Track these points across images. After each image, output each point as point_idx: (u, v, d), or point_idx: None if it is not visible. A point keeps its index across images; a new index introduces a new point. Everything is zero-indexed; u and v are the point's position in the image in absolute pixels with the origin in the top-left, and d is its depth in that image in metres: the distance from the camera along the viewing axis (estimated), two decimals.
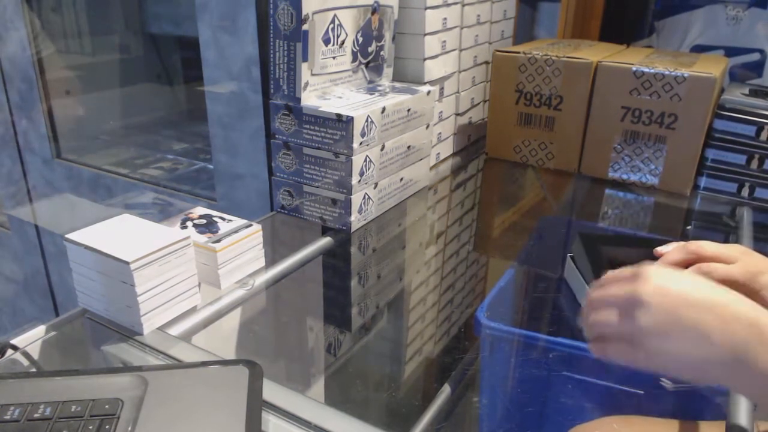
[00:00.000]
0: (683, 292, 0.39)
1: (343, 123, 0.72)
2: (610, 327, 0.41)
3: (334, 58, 0.78)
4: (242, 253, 0.64)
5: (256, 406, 0.42)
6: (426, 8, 0.87)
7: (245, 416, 0.41)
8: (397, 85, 0.89)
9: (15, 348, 0.53)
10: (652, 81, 0.88)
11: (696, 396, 0.51)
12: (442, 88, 0.98)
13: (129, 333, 0.54)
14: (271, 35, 0.73)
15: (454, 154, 1.08)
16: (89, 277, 0.54)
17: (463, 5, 0.97)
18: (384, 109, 0.77)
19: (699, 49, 1.30)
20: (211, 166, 1.21)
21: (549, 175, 1.02)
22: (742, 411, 0.46)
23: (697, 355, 0.38)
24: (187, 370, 0.46)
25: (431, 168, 0.98)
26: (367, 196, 0.78)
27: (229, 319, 0.61)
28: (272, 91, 0.77)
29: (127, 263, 0.50)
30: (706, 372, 0.39)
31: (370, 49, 0.85)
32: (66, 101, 1.56)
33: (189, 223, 0.65)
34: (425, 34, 0.89)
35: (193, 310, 0.58)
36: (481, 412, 0.53)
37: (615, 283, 0.42)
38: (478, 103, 1.13)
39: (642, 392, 0.53)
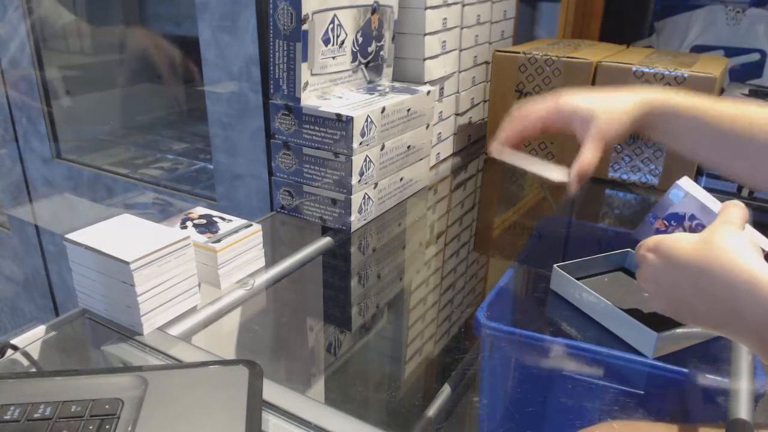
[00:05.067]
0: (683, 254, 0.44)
1: (343, 123, 0.72)
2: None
3: (333, 58, 0.78)
4: (242, 253, 0.64)
5: (256, 406, 0.42)
6: (426, 8, 0.87)
7: (245, 416, 0.41)
8: (397, 85, 0.89)
9: (15, 348, 0.53)
10: (652, 81, 0.88)
11: (696, 397, 0.51)
12: (442, 88, 0.98)
13: (129, 333, 0.54)
14: (271, 35, 0.73)
15: (454, 154, 1.08)
16: (89, 277, 0.54)
17: (463, 5, 0.97)
18: (384, 109, 0.77)
19: (699, 49, 1.30)
20: (211, 166, 1.21)
21: None
22: (741, 413, 0.46)
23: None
24: (187, 370, 0.46)
25: (431, 168, 0.98)
26: (367, 196, 0.78)
27: (229, 319, 0.61)
28: (272, 91, 0.77)
29: (127, 263, 0.50)
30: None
31: (369, 49, 0.85)
32: (66, 101, 1.56)
33: (189, 223, 0.65)
34: (425, 34, 0.89)
35: (193, 310, 0.58)
36: (481, 412, 0.53)
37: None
38: (478, 103, 1.13)
39: (642, 392, 0.53)
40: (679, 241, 0.45)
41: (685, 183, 0.56)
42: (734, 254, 0.41)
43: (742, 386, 0.49)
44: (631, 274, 0.67)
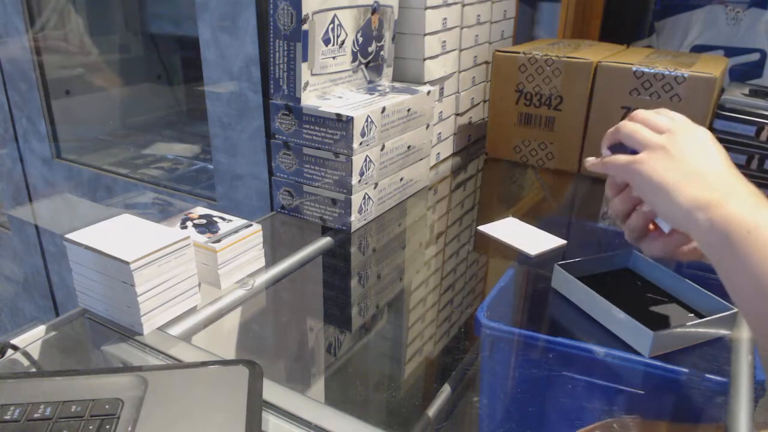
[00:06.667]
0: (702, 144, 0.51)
1: (343, 123, 0.72)
2: (638, 134, 0.51)
3: (334, 58, 0.78)
4: (242, 253, 0.64)
5: (256, 406, 0.42)
6: (426, 8, 0.87)
7: (245, 416, 0.41)
8: (397, 85, 0.89)
9: (15, 348, 0.53)
10: (652, 81, 0.88)
11: (696, 397, 0.51)
12: (442, 88, 0.98)
13: (129, 333, 0.54)
14: (271, 35, 0.73)
15: (454, 154, 1.08)
16: (89, 277, 0.54)
17: (463, 5, 0.97)
18: (384, 109, 0.77)
19: (699, 49, 1.30)
20: (211, 166, 1.21)
21: (549, 175, 1.02)
22: (741, 413, 0.46)
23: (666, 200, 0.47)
24: (187, 370, 0.46)
25: (431, 168, 0.98)
26: (367, 196, 0.78)
27: (229, 319, 0.61)
28: (272, 91, 0.77)
29: (127, 263, 0.50)
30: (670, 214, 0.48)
31: (370, 49, 0.85)
32: (66, 101, 1.56)
33: (189, 223, 0.65)
34: (425, 34, 0.89)
35: (193, 310, 0.58)
36: (481, 412, 0.53)
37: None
38: (478, 103, 1.13)
39: (642, 392, 0.53)
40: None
41: None
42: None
43: (742, 386, 0.49)
44: (633, 273, 0.67)
